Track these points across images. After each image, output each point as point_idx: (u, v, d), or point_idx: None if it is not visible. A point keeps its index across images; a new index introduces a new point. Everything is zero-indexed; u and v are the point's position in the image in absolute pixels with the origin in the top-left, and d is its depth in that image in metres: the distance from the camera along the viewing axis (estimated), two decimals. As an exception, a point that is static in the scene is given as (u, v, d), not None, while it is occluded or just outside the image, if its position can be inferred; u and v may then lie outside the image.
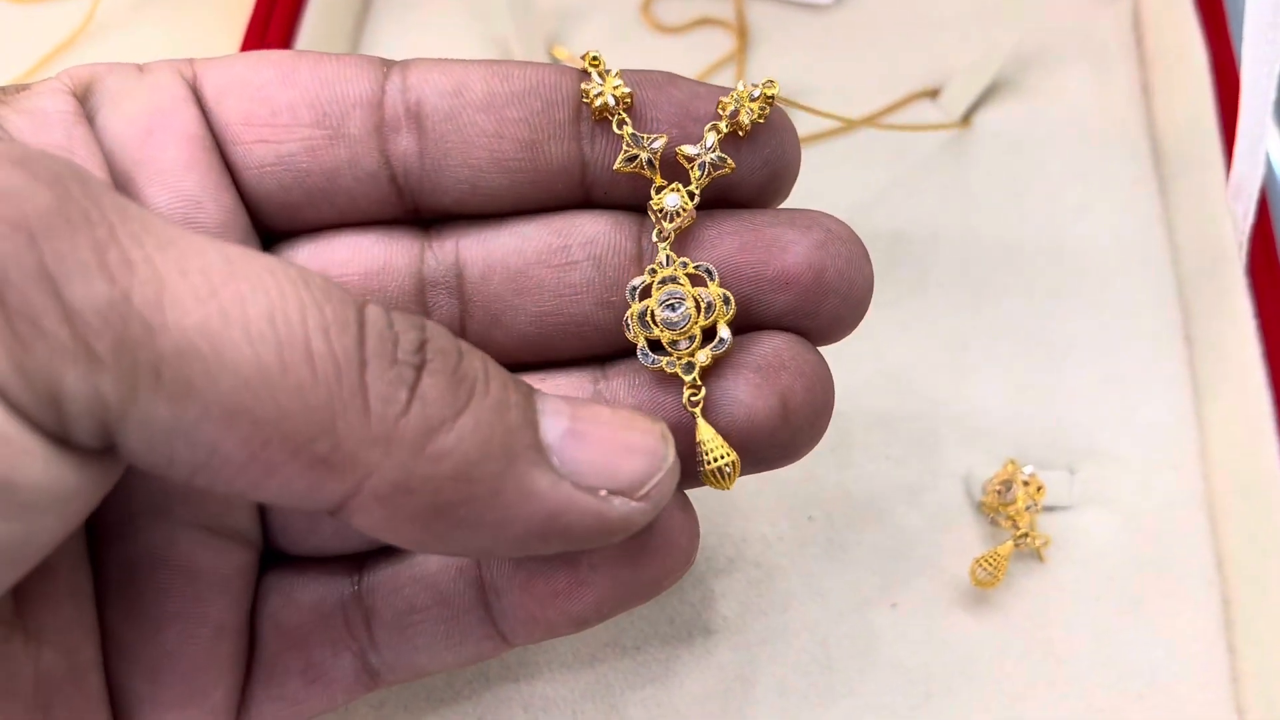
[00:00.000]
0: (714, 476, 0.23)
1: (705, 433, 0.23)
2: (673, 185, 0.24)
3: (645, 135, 0.24)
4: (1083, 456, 0.34)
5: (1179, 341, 0.36)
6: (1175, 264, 0.38)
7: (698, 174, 0.24)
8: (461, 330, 0.25)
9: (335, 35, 0.42)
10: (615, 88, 0.23)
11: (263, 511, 0.26)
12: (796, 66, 0.42)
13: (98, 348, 0.16)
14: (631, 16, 0.44)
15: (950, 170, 0.40)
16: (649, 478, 0.20)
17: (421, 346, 0.19)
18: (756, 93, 0.24)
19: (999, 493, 0.33)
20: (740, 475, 0.24)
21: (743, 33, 0.43)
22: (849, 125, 0.40)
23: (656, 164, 0.24)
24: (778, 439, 0.24)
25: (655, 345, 0.24)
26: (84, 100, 0.23)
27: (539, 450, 0.19)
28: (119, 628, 0.23)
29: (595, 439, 0.20)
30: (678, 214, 0.24)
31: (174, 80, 0.23)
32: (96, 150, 0.23)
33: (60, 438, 0.17)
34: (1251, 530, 0.32)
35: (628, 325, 0.24)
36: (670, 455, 0.21)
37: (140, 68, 0.24)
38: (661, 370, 0.24)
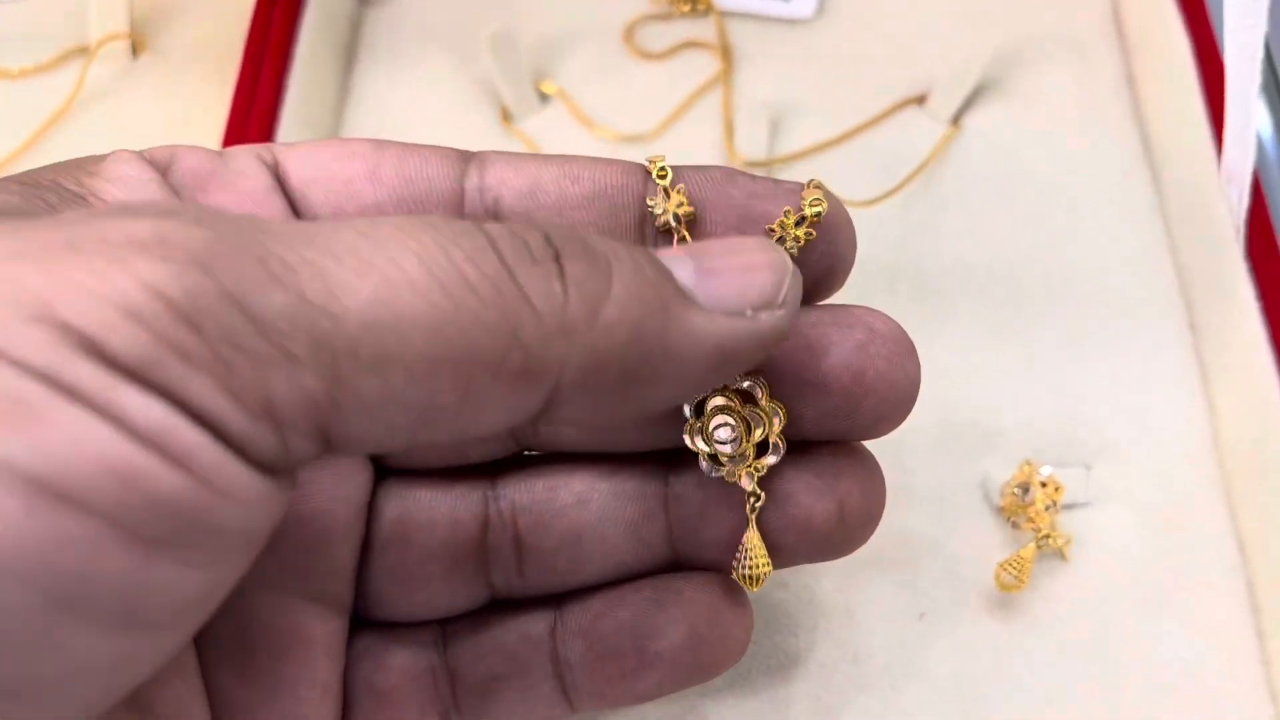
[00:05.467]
0: (747, 580, 0.25)
1: (753, 540, 0.25)
2: None
3: None
4: (1097, 452, 0.34)
5: (1184, 330, 0.36)
6: (1174, 252, 0.38)
7: None
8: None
9: (324, 86, 0.42)
10: (679, 205, 0.24)
11: (358, 581, 0.27)
12: (782, 82, 0.42)
13: (294, 350, 0.17)
14: (615, 45, 0.44)
15: (942, 174, 0.40)
16: (781, 285, 0.21)
17: (547, 240, 0.20)
18: (802, 216, 0.24)
19: (1017, 495, 0.33)
20: (793, 566, 0.26)
21: (726, 53, 0.43)
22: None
23: None
24: (833, 540, 0.25)
25: (714, 457, 0.25)
26: (165, 176, 0.23)
27: (684, 295, 0.20)
28: (235, 693, 0.24)
29: (722, 269, 0.21)
30: None
31: (259, 168, 0.24)
32: None
33: (273, 462, 0.17)
34: (1271, 513, 0.32)
35: (687, 440, 0.25)
36: (788, 258, 0.22)
37: (219, 153, 0.24)
38: (724, 480, 0.25)
